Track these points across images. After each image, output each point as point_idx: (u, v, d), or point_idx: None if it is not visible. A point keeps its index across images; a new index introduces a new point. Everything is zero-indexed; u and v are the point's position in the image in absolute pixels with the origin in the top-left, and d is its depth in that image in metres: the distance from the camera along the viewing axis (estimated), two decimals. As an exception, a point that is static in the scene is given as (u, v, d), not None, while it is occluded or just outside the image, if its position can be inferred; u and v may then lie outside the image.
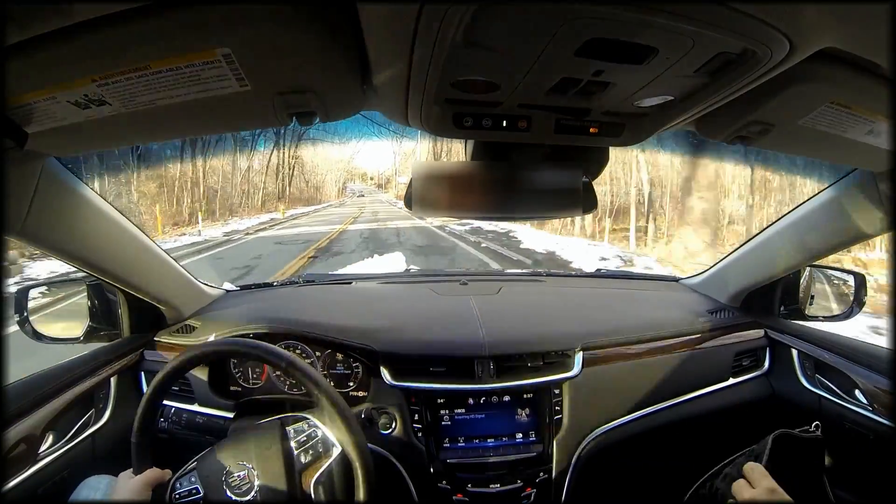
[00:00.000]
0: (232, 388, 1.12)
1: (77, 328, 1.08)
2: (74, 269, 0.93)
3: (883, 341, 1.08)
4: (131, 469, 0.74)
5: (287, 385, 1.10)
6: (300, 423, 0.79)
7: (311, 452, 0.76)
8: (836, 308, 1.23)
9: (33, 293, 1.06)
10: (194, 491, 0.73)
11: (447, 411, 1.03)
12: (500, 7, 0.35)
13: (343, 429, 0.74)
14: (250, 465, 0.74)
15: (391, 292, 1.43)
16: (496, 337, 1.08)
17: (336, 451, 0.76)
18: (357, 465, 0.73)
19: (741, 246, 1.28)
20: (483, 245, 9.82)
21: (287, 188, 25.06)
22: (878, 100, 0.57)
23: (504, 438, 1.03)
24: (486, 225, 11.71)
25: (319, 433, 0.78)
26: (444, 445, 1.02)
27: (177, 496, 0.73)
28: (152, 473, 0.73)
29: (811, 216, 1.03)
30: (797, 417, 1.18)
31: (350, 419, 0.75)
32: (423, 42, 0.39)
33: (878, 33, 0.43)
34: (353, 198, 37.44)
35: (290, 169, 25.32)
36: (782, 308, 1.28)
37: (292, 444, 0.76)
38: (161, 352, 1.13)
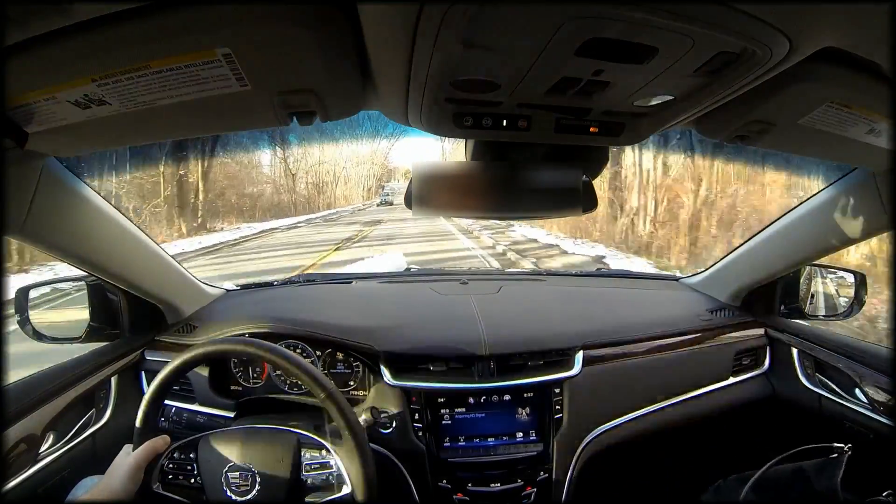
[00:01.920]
0: (232, 388, 1.12)
1: (77, 328, 1.08)
2: (75, 268, 0.93)
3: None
4: (131, 445, 0.75)
5: (288, 385, 1.11)
6: (318, 451, 0.79)
7: (319, 480, 0.76)
8: (836, 307, 1.23)
9: (33, 293, 1.06)
10: (189, 468, 0.74)
11: (448, 410, 1.03)
12: (500, 7, 0.35)
13: (359, 470, 0.74)
14: (255, 470, 0.74)
15: (391, 291, 1.43)
16: (497, 336, 1.08)
17: (346, 490, 0.76)
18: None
19: (741, 245, 1.28)
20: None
21: (199, 194, 14.73)
22: (878, 99, 0.57)
23: (504, 437, 1.03)
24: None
25: (334, 468, 0.77)
26: (445, 444, 1.02)
27: (170, 466, 0.74)
28: (148, 448, 0.74)
29: (811, 215, 1.03)
30: (797, 417, 1.18)
31: (370, 465, 0.75)
32: (423, 42, 0.39)
33: (878, 33, 0.43)
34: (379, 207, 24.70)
35: (203, 160, 14.79)
36: (782, 307, 1.28)
37: (303, 467, 0.77)
38: (162, 351, 1.13)
